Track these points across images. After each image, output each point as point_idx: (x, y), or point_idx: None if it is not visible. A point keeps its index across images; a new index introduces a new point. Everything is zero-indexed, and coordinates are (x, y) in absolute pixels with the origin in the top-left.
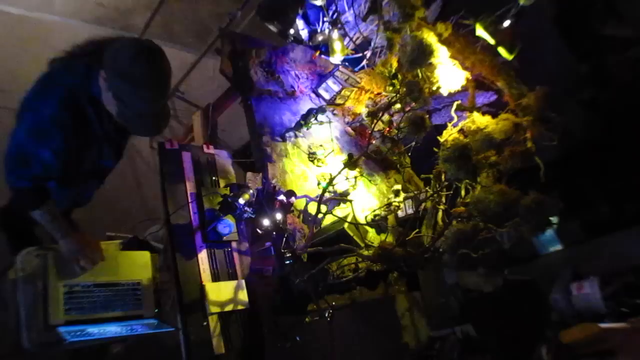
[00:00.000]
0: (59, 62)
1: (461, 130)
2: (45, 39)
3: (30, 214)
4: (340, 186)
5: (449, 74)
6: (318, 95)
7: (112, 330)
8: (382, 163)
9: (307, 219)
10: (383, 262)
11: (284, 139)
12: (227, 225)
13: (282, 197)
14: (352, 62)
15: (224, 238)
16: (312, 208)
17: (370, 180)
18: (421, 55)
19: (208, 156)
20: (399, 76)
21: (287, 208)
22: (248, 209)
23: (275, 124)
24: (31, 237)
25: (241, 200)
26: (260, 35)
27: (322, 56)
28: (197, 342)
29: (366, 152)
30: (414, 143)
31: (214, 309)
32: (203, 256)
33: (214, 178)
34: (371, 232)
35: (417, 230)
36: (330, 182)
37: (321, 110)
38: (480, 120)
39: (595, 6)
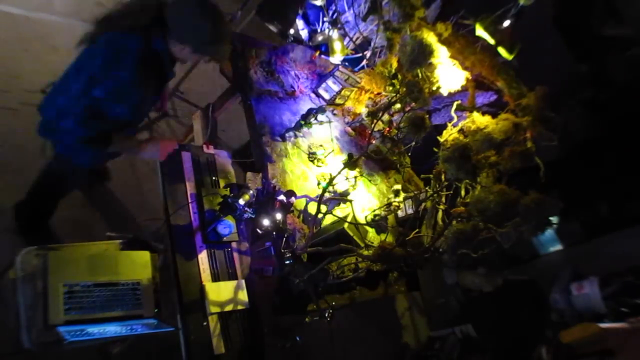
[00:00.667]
0: (113, 32)
1: (461, 130)
2: (45, 39)
3: (101, 154)
4: (340, 186)
5: (449, 74)
6: (318, 95)
7: (112, 330)
8: (382, 163)
9: (307, 219)
10: (383, 262)
11: (284, 139)
12: (227, 226)
13: (282, 197)
14: (352, 62)
15: (224, 239)
16: (312, 208)
17: (370, 180)
18: (421, 55)
19: (208, 156)
20: (399, 76)
21: (287, 208)
22: (248, 210)
23: (275, 124)
24: (46, 230)
25: (241, 201)
26: (260, 35)
27: (322, 56)
28: (197, 342)
29: (366, 152)
30: (414, 143)
31: (214, 309)
32: (203, 256)
33: (214, 178)
34: (371, 232)
35: (417, 230)
36: (330, 182)
37: (321, 110)
38: (480, 120)
39: (595, 6)
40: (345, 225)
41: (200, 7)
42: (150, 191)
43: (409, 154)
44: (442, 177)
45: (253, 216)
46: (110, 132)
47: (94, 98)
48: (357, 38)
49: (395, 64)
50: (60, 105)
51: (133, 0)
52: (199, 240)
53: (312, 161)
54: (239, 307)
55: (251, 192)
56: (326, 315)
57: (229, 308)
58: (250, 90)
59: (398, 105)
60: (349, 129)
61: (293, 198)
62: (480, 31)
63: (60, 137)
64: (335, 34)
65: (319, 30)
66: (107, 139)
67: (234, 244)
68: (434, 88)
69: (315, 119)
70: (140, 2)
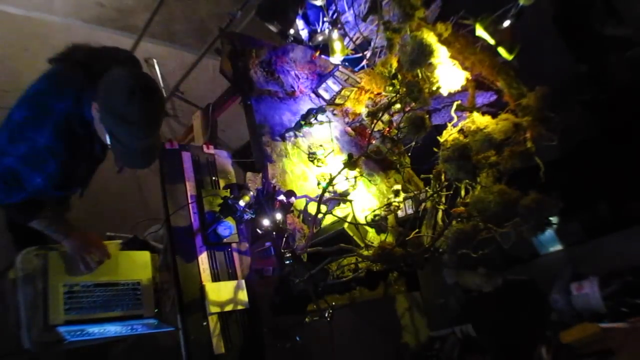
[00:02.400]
0: (47, 80)
1: (461, 130)
2: (45, 39)
3: (26, 224)
4: (340, 186)
5: (449, 74)
6: (318, 96)
7: (112, 330)
8: (382, 163)
9: (307, 219)
10: (383, 262)
11: (283, 139)
12: (227, 227)
13: (282, 197)
14: (352, 62)
15: (224, 240)
16: (312, 208)
17: (370, 180)
18: (421, 55)
19: (208, 156)
20: (399, 76)
21: (287, 208)
22: (248, 210)
23: (275, 124)
24: (37, 237)
25: (241, 202)
26: (260, 35)
27: (322, 56)
28: (197, 342)
29: (366, 152)
30: (414, 143)
31: (214, 309)
32: (203, 257)
33: (214, 178)
34: (371, 232)
35: (417, 230)
36: (330, 182)
37: (321, 110)
38: (480, 120)
39: (595, 6)
40: (345, 225)
41: (136, 80)
42: (150, 191)
43: (409, 154)
44: (442, 177)
45: (253, 216)
46: (40, 202)
47: (7, 161)
48: (357, 38)
49: (395, 64)
50: None
51: (94, 49)
52: (199, 240)
53: (312, 161)
54: (239, 307)
55: (251, 193)
56: (326, 315)
57: (229, 308)
58: (250, 90)
59: (398, 105)
60: (349, 129)
61: (293, 198)
62: (480, 31)
63: None
64: (335, 34)
65: (319, 30)
66: (32, 210)
67: (234, 245)
68: (434, 88)
69: (315, 118)
70: (94, 54)
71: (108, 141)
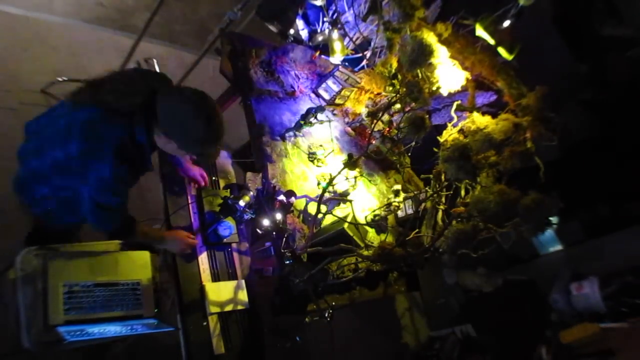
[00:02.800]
0: (96, 114)
1: (461, 130)
2: (45, 39)
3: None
4: (340, 186)
5: (449, 74)
6: (318, 96)
7: (112, 330)
8: (382, 163)
9: (307, 219)
10: (383, 262)
11: (283, 139)
12: (228, 228)
13: (282, 197)
14: (352, 62)
15: (224, 240)
16: (312, 208)
17: (370, 180)
18: (421, 55)
19: None
20: (399, 76)
21: (287, 208)
22: (248, 210)
23: (275, 124)
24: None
25: (241, 203)
26: (260, 35)
27: (322, 56)
28: (197, 342)
29: (366, 152)
30: (414, 143)
31: (214, 309)
32: (203, 257)
33: (214, 178)
34: (371, 232)
35: (417, 230)
36: (330, 182)
37: (320, 109)
38: (480, 120)
39: (595, 6)
40: (345, 225)
41: (198, 104)
42: (150, 191)
43: (409, 154)
44: (442, 177)
45: (253, 216)
46: (130, 220)
47: (91, 196)
48: (357, 38)
49: (395, 64)
50: (33, 167)
51: (124, 76)
52: (199, 241)
53: (312, 161)
54: (239, 307)
55: (251, 193)
56: (326, 315)
57: (229, 308)
58: (250, 90)
59: (398, 105)
60: (349, 129)
61: (293, 198)
62: (480, 31)
63: (35, 202)
64: (335, 34)
65: (319, 30)
66: (129, 229)
67: (234, 245)
68: (434, 88)
69: (315, 118)
70: (130, 81)
71: (176, 152)
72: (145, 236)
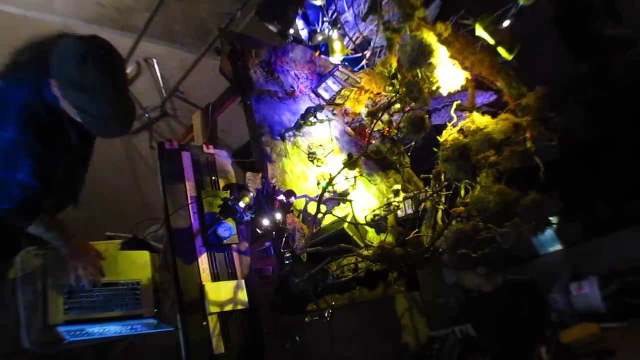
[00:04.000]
0: (4, 76)
1: (461, 130)
2: None
3: (24, 230)
4: (340, 186)
5: (449, 74)
6: (318, 96)
7: (112, 330)
8: (382, 163)
9: (307, 219)
10: (383, 262)
11: (283, 139)
12: (228, 229)
13: (282, 197)
14: (352, 62)
15: (225, 242)
16: (312, 208)
17: (370, 180)
18: (421, 55)
19: (208, 156)
20: (399, 76)
21: (287, 208)
22: (248, 211)
23: (275, 124)
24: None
25: (242, 204)
26: (260, 35)
27: (322, 56)
28: (197, 342)
29: (366, 152)
30: (414, 143)
31: (214, 309)
32: (203, 257)
33: (213, 178)
34: (371, 232)
35: (417, 230)
36: (330, 182)
37: (319, 108)
38: (480, 120)
39: (595, 6)
40: (345, 225)
41: (82, 46)
42: (150, 191)
43: (409, 154)
44: (442, 177)
45: (253, 216)
46: (38, 203)
47: None
48: (357, 38)
49: (395, 64)
50: None
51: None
52: (199, 241)
53: (312, 161)
54: (239, 307)
55: (251, 194)
56: (326, 315)
57: (228, 308)
58: (250, 90)
59: (398, 106)
60: (349, 129)
61: (293, 198)
62: (480, 31)
63: None
64: (335, 34)
65: (319, 30)
66: (30, 212)
67: (234, 245)
68: (434, 88)
69: (315, 117)
70: (33, 42)
71: (77, 116)
72: (48, 228)
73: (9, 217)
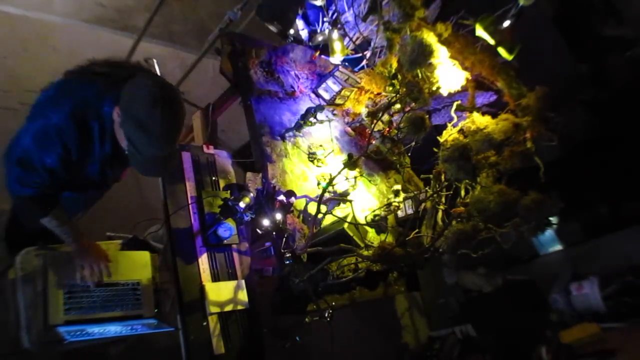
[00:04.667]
0: (77, 74)
1: (461, 131)
2: (45, 39)
3: (37, 220)
4: (340, 186)
5: (449, 74)
6: (318, 96)
7: (112, 330)
8: (382, 163)
9: (307, 219)
10: (383, 262)
11: (283, 139)
12: (228, 229)
13: (282, 197)
14: (352, 62)
15: (225, 242)
16: (312, 208)
17: (370, 181)
18: (421, 55)
19: (208, 156)
20: (399, 76)
21: (287, 208)
22: (248, 212)
23: (275, 124)
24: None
25: (242, 204)
26: (260, 35)
27: (322, 56)
28: (197, 342)
29: (366, 152)
30: (414, 143)
31: (214, 309)
32: (203, 257)
33: (213, 178)
34: (371, 232)
35: (417, 230)
36: (330, 182)
37: (319, 108)
38: (480, 121)
39: (595, 6)
40: (345, 225)
41: (155, 91)
42: (150, 191)
43: (409, 154)
44: (442, 177)
45: (253, 216)
46: (54, 197)
47: (23, 143)
48: (357, 38)
49: (395, 64)
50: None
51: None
52: (199, 241)
53: (312, 161)
54: (239, 307)
55: (251, 194)
56: (326, 315)
57: (228, 308)
58: (250, 90)
59: (398, 106)
60: (349, 129)
61: (293, 198)
62: (480, 31)
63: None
64: (335, 34)
65: (319, 31)
66: (46, 204)
67: (234, 245)
68: (434, 88)
69: (315, 117)
70: (120, 61)
71: (125, 147)
72: (62, 223)
73: (27, 205)
